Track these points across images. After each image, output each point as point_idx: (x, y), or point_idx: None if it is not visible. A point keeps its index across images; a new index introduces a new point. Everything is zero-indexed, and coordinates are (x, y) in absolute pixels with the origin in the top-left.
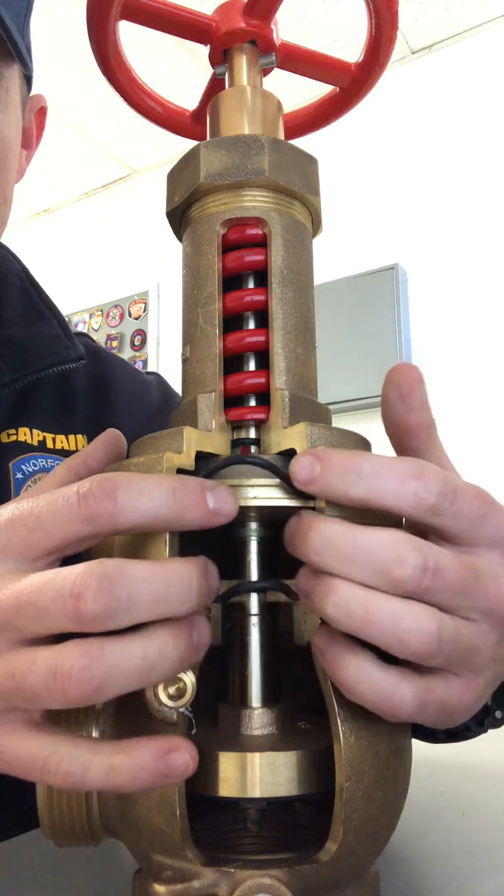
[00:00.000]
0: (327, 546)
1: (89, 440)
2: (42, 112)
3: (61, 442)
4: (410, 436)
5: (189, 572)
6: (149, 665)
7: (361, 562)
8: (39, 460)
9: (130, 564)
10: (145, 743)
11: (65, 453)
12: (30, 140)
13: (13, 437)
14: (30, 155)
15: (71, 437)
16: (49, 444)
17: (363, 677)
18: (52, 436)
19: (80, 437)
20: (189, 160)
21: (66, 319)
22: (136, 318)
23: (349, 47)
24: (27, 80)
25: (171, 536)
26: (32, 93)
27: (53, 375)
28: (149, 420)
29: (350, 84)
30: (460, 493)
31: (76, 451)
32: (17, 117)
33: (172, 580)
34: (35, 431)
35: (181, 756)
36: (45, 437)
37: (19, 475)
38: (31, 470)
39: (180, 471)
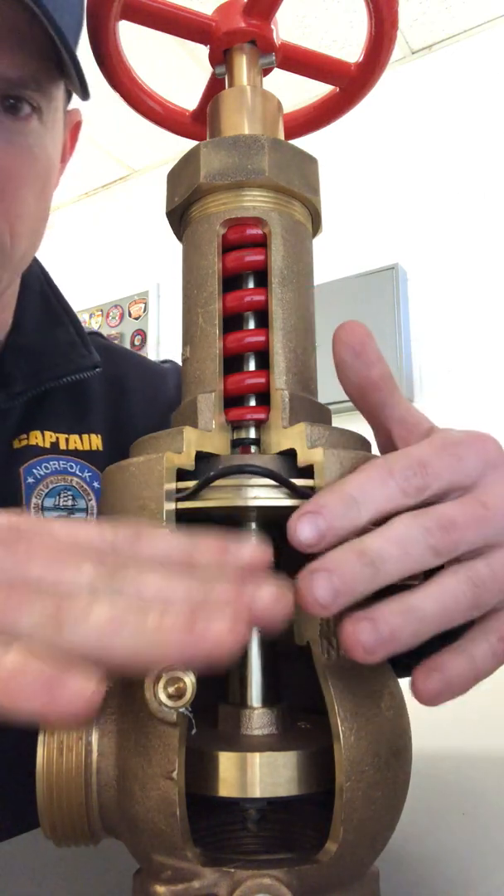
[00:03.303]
0: (383, 567)
1: (105, 440)
2: (77, 126)
3: (75, 442)
4: (374, 389)
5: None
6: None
7: (414, 556)
8: (52, 462)
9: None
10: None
11: (78, 453)
12: (65, 153)
13: (24, 442)
14: (63, 168)
15: (85, 436)
16: (62, 446)
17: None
18: (66, 436)
19: (94, 436)
20: (189, 160)
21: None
22: (136, 318)
23: (349, 47)
24: (69, 93)
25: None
26: None
27: (69, 382)
28: (166, 413)
29: (350, 84)
30: (425, 457)
31: (90, 450)
32: (60, 135)
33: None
34: (48, 433)
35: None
36: (57, 439)
37: (31, 479)
38: (43, 473)
39: (180, 471)
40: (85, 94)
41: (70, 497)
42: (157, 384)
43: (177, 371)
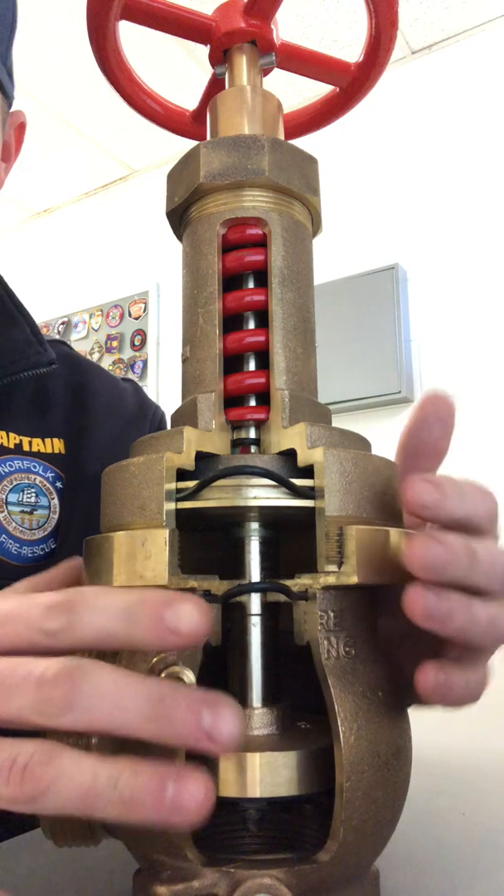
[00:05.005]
0: (476, 569)
1: (66, 444)
2: (21, 127)
3: (38, 445)
4: (431, 457)
5: (163, 693)
6: (95, 791)
7: (492, 576)
8: (16, 462)
9: (104, 669)
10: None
11: (41, 455)
12: (9, 153)
13: None
14: (8, 167)
15: (48, 440)
16: (25, 447)
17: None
18: (29, 439)
19: (56, 440)
20: (189, 160)
21: (66, 320)
22: (136, 318)
23: (349, 47)
24: (8, 99)
25: (171, 540)
26: (33, 92)
27: (28, 380)
28: (125, 425)
29: (350, 84)
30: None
31: (52, 453)
32: None
33: (141, 693)
34: (11, 434)
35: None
36: (21, 440)
37: None
38: (6, 471)
39: (180, 471)
40: (7, 99)
41: (33, 494)
42: (118, 397)
43: (135, 391)
